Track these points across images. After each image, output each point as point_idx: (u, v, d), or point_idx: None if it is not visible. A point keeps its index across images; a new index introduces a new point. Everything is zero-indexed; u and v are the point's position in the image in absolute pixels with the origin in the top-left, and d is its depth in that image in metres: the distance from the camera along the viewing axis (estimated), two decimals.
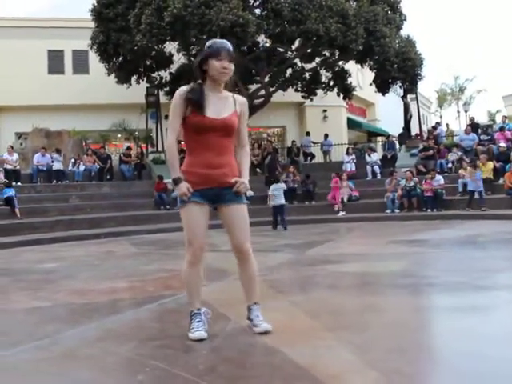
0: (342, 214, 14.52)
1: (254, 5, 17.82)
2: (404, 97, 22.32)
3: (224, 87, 3.36)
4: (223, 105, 3.30)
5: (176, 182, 3.23)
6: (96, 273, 6.79)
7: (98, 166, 18.05)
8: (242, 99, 3.46)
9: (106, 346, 3.32)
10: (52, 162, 17.22)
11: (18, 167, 16.65)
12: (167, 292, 5.06)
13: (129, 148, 20.26)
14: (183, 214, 3.31)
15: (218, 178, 3.25)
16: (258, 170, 18.74)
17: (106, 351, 3.22)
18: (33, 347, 3.37)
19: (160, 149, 21.27)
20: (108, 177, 18.14)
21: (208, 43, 3.33)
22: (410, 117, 22.00)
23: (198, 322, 3.33)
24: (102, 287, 5.58)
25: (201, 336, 3.26)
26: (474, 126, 19.93)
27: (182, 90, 3.31)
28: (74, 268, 7.39)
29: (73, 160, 18.24)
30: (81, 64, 24.67)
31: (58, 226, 12.98)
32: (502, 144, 16.27)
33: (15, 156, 16.87)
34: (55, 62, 24.73)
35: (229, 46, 3.28)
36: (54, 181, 16.89)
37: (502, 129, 18.43)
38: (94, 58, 21.07)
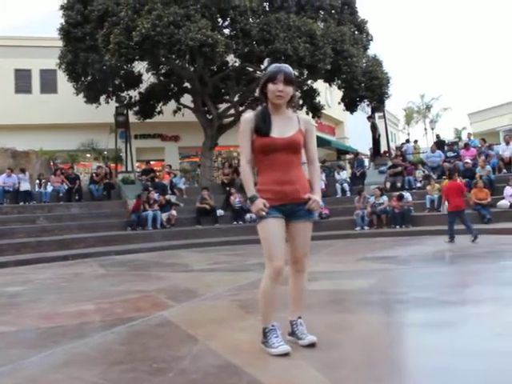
0: None
1: (223, 25, 17.98)
2: (370, 117, 22.71)
3: (288, 107, 3.50)
4: (287, 125, 3.41)
5: (252, 199, 3.30)
6: (63, 295, 6.65)
7: (66, 187, 17.79)
8: (305, 118, 3.61)
9: (72, 371, 3.25)
10: (19, 182, 16.90)
11: None
12: (136, 314, 5.00)
13: (99, 167, 20.03)
14: (262, 228, 3.34)
15: (291, 194, 3.34)
16: (227, 188, 18.71)
17: (72, 376, 3.15)
18: None
19: (129, 168, 21.12)
20: (77, 197, 17.87)
21: (268, 68, 3.47)
22: (379, 136, 22.35)
23: (276, 337, 3.32)
24: (69, 310, 5.47)
25: (286, 350, 3.25)
26: (440, 143, 20.36)
27: (248, 115, 3.46)
28: (41, 291, 7.23)
29: (38, 181, 17.92)
30: (49, 83, 24.49)
31: (25, 249, 12.68)
32: (468, 160, 16.63)
33: None
34: (22, 81, 24.50)
35: (286, 69, 3.40)
36: (22, 202, 16.56)
37: (466, 145, 18.86)
38: (62, 78, 20.92)
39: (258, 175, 3.45)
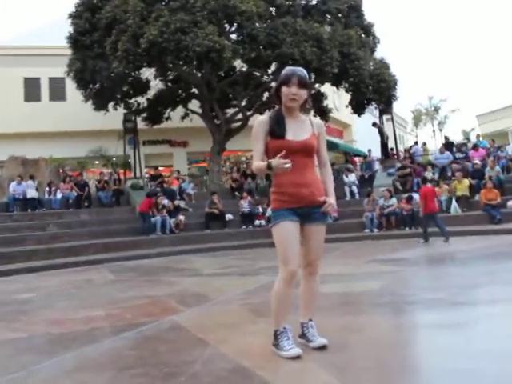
0: None
1: (230, 30, 18.03)
2: (374, 124, 22.77)
3: (301, 111, 3.50)
4: (301, 128, 3.42)
5: (268, 165, 3.16)
6: (73, 301, 6.68)
7: (75, 193, 17.87)
8: (318, 121, 3.62)
9: (83, 377, 3.26)
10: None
11: None
12: (146, 319, 5.00)
13: (101, 173, 20.12)
14: (277, 232, 3.34)
15: (308, 197, 3.34)
16: (236, 193, 18.72)
17: (83, 382, 3.16)
18: (8, 380, 3.29)
19: (138, 175, 21.19)
20: (86, 204, 17.95)
21: (283, 71, 3.45)
22: (387, 138, 22.36)
23: (287, 339, 3.30)
24: (79, 316, 5.49)
25: (297, 352, 3.23)
26: (448, 145, 20.27)
27: (262, 117, 3.48)
28: (51, 297, 7.26)
29: (47, 188, 18.03)
30: (57, 91, 24.66)
31: (35, 256, 12.72)
32: (477, 161, 16.54)
33: None
34: (32, 90, 24.68)
35: (300, 72, 3.38)
36: (29, 209, 16.66)
37: (475, 146, 18.76)
38: (70, 85, 21.09)
39: (274, 177, 3.42)
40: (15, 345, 4.36)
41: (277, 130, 3.35)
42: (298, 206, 3.32)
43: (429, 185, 12.60)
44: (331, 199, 3.40)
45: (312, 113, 22.07)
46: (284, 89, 3.35)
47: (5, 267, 11.24)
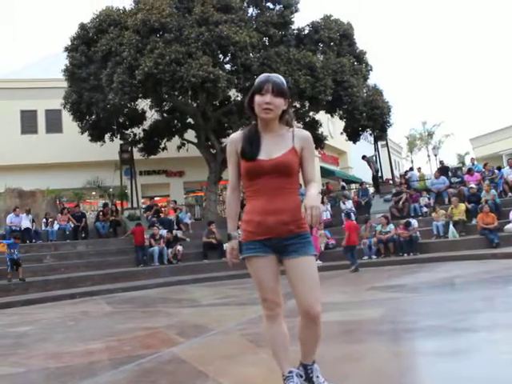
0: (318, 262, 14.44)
1: (224, 60, 18.26)
2: (364, 157, 23.04)
3: (284, 123, 2.99)
4: (277, 144, 2.91)
5: (228, 237, 2.95)
6: (71, 334, 6.61)
7: (72, 225, 17.84)
8: (303, 134, 3.00)
9: None
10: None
11: None
12: (145, 351, 4.95)
13: (106, 205, 20.16)
14: (249, 267, 2.97)
15: (276, 227, 2.83)
16: None
17: None
18: None
19: (135, 205, 21.19)
20: (83, 235, 17.91)
21: (257, 79, 2.96)
22: (377, 171, 22.59)
23: None
24: (77, 349, 5.43)
25: None
26: (443, 169, 20.36)
27: (234, 135, 3.04)
28: (48, 330, 7.19)
29: (44, 220, 18.00)
30: (54, 123, 24.77)
31: (31, 288, 12.68)
32: (472, 185, 16.61)
33: None
34: (28, 122, 24.80)
35: (276, 78, 2.90)
36: (27, 241, 16.59)
37: (469, 170, 18.84)
38: (67, 117, 21.18)
39: (246, 202, 2.99)
40: (13, 380, 4.31)
41: (247, 150, 2.90)
42: (265, 238, 2.85)
43: (352, 218, 14.37)
44: (309, 201, 2.64)
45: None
46: (257, 98, 2.85)
47: (1, 300, 11.16)
